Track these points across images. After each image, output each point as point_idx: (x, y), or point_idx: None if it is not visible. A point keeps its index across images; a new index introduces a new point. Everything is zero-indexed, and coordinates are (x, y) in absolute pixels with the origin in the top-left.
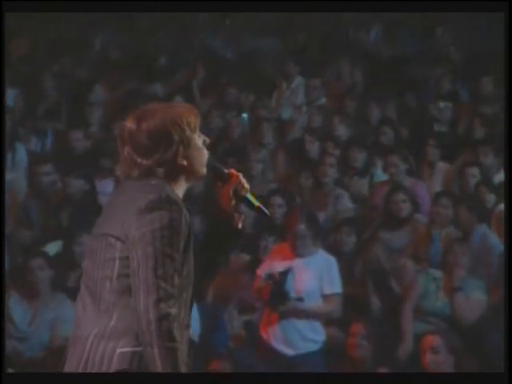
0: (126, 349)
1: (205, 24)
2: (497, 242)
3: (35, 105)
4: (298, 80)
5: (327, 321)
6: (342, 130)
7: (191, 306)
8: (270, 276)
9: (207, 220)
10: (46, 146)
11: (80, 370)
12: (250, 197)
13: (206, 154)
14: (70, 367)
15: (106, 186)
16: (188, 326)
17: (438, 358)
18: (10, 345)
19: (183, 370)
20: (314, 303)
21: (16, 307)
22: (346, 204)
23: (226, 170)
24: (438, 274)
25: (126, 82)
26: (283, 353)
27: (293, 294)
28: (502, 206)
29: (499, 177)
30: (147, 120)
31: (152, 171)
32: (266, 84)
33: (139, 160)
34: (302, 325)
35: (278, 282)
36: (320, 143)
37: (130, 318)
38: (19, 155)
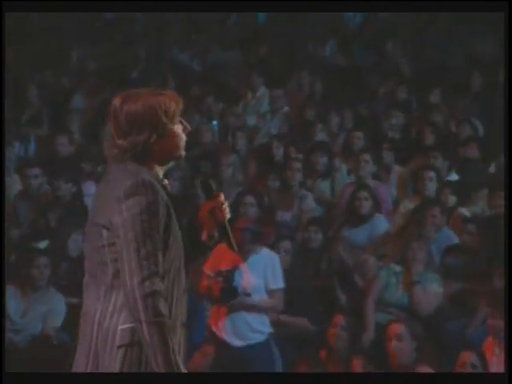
0: (126, 325)
1: (174, 39)
2: (456, 240)
3: (19, 112)
4: (262, 90)
5: (298, 311)
6: (322, 136)
7: (186, 272)
8: (219, 274)
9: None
10: (28, 151)
11: (93, 347)
12: (226, 226)
13: (183, 140)
14: (83, 343)
15: (89, 188)
16: (184, 291)
17: (402, 344)
18: (6, 337)
19: (171, 341)
20: (260, 298)
21: (10, 301)
22: (311, 204)
23: (214, 188)
24: (398, 268)
25: (102, 92)
26: (233, 344)
27: (240, 290)
28: (463, 209)
29: (450, 178)
30: (129, 103)
31: (126, 153)
32: (232, 94)
33: (117, 140)
34: (250, 318)
35: (228, 280)
36: (285, 149)
37: (124, 298)
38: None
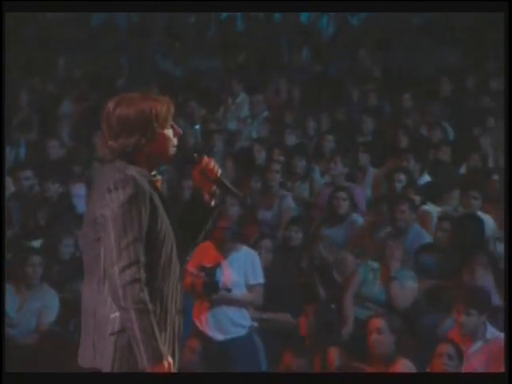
0: (116, 313)
1: (157, 47)
2: (427, 237)
3: (9, 117)
4: (242, 96)
5: (280, 307)
6: (291, 140)
7: (181, 260)
8: (202, 269)
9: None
10: (19, 154)
11: (94, 340)
12: (221, 179)
13: (173, 143)
14: (85, 337)
15: (78, 190)
16: (179, 279)
17: (382, 337)
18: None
19: (152, 328)
20: (241, 293)
21: (7, 297)
22: (290, 204)
23: (195, 156)
24: (375, 265)
25: (89, 98)
26: (215, 338)
27: (221, 286)
28: (426, 207)
29: (422, 179)
30: (122, 107)
31: (115, 153)
32: (213, 99)
33: (108, 141)
34: (231, 312)
35: (210, 275)
36: (266, 152)
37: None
38: None
